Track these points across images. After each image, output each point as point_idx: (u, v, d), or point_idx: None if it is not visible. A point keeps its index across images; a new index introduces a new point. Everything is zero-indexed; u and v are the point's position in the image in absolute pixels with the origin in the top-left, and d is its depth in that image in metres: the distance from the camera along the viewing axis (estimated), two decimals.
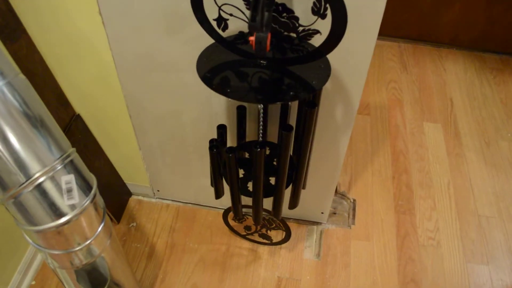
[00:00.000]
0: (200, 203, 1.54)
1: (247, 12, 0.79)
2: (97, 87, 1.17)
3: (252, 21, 0.54)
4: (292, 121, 1.04)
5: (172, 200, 1.55)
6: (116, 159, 1.42)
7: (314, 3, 0.72)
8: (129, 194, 1.57)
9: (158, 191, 1.52)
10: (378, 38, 0.89)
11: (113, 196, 1.48)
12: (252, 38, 0.68)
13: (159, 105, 1.15)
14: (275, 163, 1.08)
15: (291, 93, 0.75)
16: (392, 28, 2.31)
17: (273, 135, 1.13)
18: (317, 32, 0.78)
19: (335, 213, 1.54)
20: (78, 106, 1.24)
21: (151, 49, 1.01)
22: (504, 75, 2.21)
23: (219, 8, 0.80)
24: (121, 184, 1.51)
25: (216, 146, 0.94)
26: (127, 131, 1.28)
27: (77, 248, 0.86)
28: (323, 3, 0.72)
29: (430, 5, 2.19)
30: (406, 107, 1.97)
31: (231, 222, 1.44)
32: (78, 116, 1.25)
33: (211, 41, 0.84)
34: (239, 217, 1.37)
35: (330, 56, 0.79)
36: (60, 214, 0.78)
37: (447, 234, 1.52)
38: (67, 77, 1.16)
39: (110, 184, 1.45)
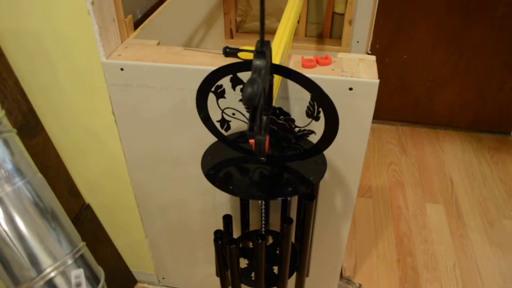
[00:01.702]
0: None
1: (248, 114, 0.86)
2: (107, 178, 1.23)
3: (250, 131, 0.61)
4: (293, 209, 1.08)
5: None
6: (122, 246, 1.45)
7: (308, 107, 0.80)
8: (134, 281, 1.57)
9: (164, 278, 1.53)
10: (377, 122, 0.96)
11: (118, 284, 1.49)
12: (252, 141, 0.75)
13: (166, 196, 1.21)
14: (278, 252, 1.11)
15: (290, 189, 0.80)
16: (390, 112, 2.42)
17: (276, 223, 1.17)
18: (312, 132, 0.85)
19: None
20: (88, 196, 1.30)
21: (159, 145, 1.08)
22: (501, 154, 2.27)
23: (222, 111, 0.88)
24: (127, 271, 1.52)
25: (221, 237, 0.97)
26: (134, 220, 1.32)
27: None
28: (316, 107, 0.79)
29: (425, 89, 2.31)
30: (407, 189, 2.01)
31: None
32: (88, 206, 1.31)
33: (215, 138, 0.91)
34: None
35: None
36: None
37: None
38: (79, 170, 1.22)
39: (116, 272, 1.47)
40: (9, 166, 0.78)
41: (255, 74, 0.61)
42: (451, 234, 1.80)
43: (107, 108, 1.05)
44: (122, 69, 0.97)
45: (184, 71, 0.93)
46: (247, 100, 0.56)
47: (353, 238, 1.76)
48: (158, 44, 1.04)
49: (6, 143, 0.79)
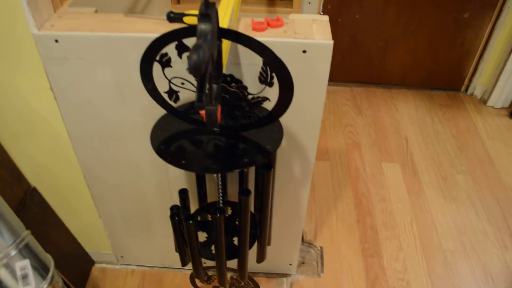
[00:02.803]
0: (165, 265, 1.50)
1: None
2: (52, 159, 1.15)
3: (198, 102, 0.56)
4: (251, 179, 1.05)
5: (137, 265, 1.51)
6: (76, 228, 1.39)
7: (260, 73, 0.75)
8: (92, 262, 1.52)
9: (122, 257, 1.48)
10: (331, 84, 0.94)
11: (75, 266, 1.43)
12: (202, 112, 0.70)
13: (117, 174, 1.15)
14: (237, 222, 1.08)
15: (246, 159, 0.77)
16: (343, 73, 2.41)
17: (234, 194, 1.13)
18: (266, 99, 0.81)
19: (303, 263, 1.53)
20: (34, 179, 1.21)
21: (105, 121, 1.01)
22: (452, 110, 2.32)
23: (169, 81, 0.82)
24: (82, 253, 1.47)
25: (177, 213, 0.93)
26: (85, 201, 1.26)
27: None
28: (269, 72, 0.75)
29: (377, 49, 2.31)
30: (364, 150, 2.03)
31: (199, 284, 1.41)
32: (34, 190, 1.23)
33: (164, 111, 0.85)
34: (203, 280, 1.34)
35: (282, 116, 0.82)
36: None
37: (415, 273, 1.54)
38: (20, 152, 1.14)
39: (71, 254, 1.41)
40: None
41: (200, 40, 0.56)
42: (407, 191, 1.84)
43: (44, 85, 0.97)
44: (56, 41, 0.88)
45: (125, 40, 0.86)
46: (193, 69, 0.51)
47: (312, 201, 1.77)
48: (96, 12, 0.96)
49: None
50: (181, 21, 0.86)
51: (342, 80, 2.44)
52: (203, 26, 0.57)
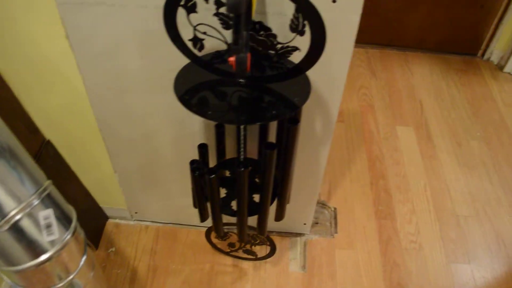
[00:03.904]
0: (180, 222, 1.50)
1: (223, 31, 0.78)
2: (67, 112, 1.13)
3: (235, 44, 0.53)
4: (271, 135, 1.03)
5: (151, 221, 1.51)
6: (90, 183, 1.38)
7: (292, 20, 0.72)
8: (106, 218, 1.52)
9: (136, 213, 1.48)
10: None
11: (89, 221, 1.43)
12: (232, 59, 0.67)
13: (133, 128, 1.12)
14: (257, 179, 1.07)
15: (274, 112, 0.74)
16: (358, 35, 2.33)
17: (251, 151, 1.11)
18: (296, 49, 0.77)
19: (317, 223, 1.53)
20: (48, 132, 1.19)
21: (123, 71, 0.98)
22: (468, 75, 2.27)
23: (194, 28, 0.78)
24: (97, 208, 1.46)
25: (198, 168, 0.91)
26: (100, 155, 1.24)
27: (60, 284, 0.83)
28: (301, 20, 0.71)
29: (395, 10, 2.24)
30: (378, 112, 2.00)
31: (214, 240, 1.41)
32: (48, 142, 1.21)
33: (185, 60, 0.82)
34: (222, 236, 1.34)
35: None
36: (40, 252, 0.74)
37: (428, 236, 1.54)
38: (35, 104, 1.11)
39: (85, 209, 1.41)
40: None
41: None
42: (421, 155, 1.82)
43: (59, 32, 0.93)
44: None
45: None
46: (232, 6, 0.48)
47: (326, 163, 1.75)
48: None
49: None
50: None
51: (356, 41, 2.36)
52: None
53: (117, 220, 1.53)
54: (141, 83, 1.00)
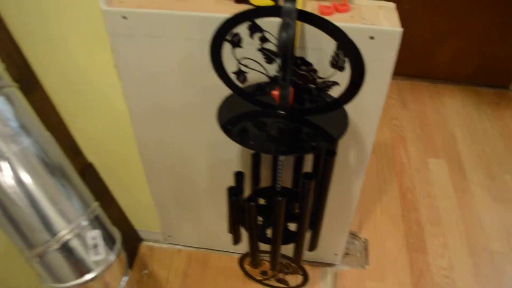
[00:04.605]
0: (212, 247, 1.52)
1: (266, 65, 0.81)
2: (110, 136, 1.18)
3: (283, 81, 0.56)
4: (306, 165, 1.05)
5: (184, 245, 1.54)
6: (127, 205, 1.42)
7: (332, 56, 0.75)
8: (140, 240, 1.56)
9: (170, 236, 1.51)
10: None
11: (124, 243, 1.46)
12: (275, 93, 0.70)
13: (172, 153, 1.17)
14: (290, 208, 1.09)
15: (312, 143, 0.77)
16: None
17: (285, 180, 1.14)
18: (335, 83, 0.80)
19: (348, 254, 1.53)
20: (91, 155, 1.25)
21: (165, 100, 1.03)
22: (500, 108, 2.26)
23: (238, 62, 0.82)
24: (132, 230, 1.50)
25: (235, 193, 0.94)
26: (139, 178, 1.28)
27: None
28: (341, 57, 0.75)
29: (425, 42, 2.26)
30: (409, 144, 2.00)
31: (247, 267, 1.42)
32: (90, 165, 1.26)
33: (226, 91, 0.86)
34: (256, 263, 1.35)
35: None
36: (86, 271, 0.78)
37: (461, 271, 1.51)
38: (80, 127, 1.17)
39: (121, 231, 1.44)
40: (14, 123, 0.73)
41: (287, 18, 0.56)
42: (454, 188, 1.80)
43: (109, 61, 0.99)
44: (125, 18, 0.90)
45: (192, 19, 0.86)
46: (282, 46, 0.51)
47: None
48: None
49: (9, 99, 0.74)
50: (247, 2, 0.86)
51: None
52: (290, 5, 0.57)
53: (150, 243, 1.56)
54: (183, 111, 1.04)
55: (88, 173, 1.26)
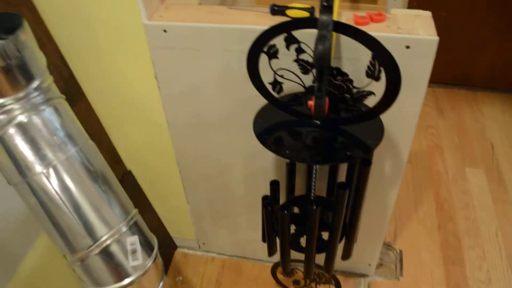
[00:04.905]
0: (245, 256, 1.53)
1: (302, 76, 0.82)
2: (149, 145, 1.22)
3: (318, 91, 0.57)
4: (341, 174, 1.05)
5: (218, 253, 1.56)
6: (163, 213, 1.45)
7: (368, 66, 0.75)
8: (175, 247, 1.58)
9: (204, 244, 1.53)
10: None
11: (160, 250, 1.50)
12: (311, 103, 0.71)
13: (209, 162, 1.19)
14: (324, 217, 1.09)
15: (348, 153, 0.77)
16: None
17: (319, 189, 1.14)
18: (371, 93, 0.80)
19: (381, 265, 1.51)
20: (130, 163, 1.29)
21: (203, 110, 1.05)
22: None
23: (275, 73, 0.84)
24: (168, 237, 1.53)
25: (270, 203, 0.95)
26: (176, 186, 1.31)
27: None
28: (377, 67, 0.75)
29: (463, 49, 2.21)
30: (446, 153, 1.96)
31: (279, 276, 1.43)
32: (130, 173, 1.30)
33: (262, 101, 0.87)
34: (288, 272, 1.36)
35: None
36: (124, 276, 0.80)
37: (500, 285, 1.46)
38: (120, 136, 1.21)
39: (157, 238, 1.47)
40: (61, 133, 0.76)
41: (324, 30, 0.57)
42: (493, 200, 1.75)
43: (149, 73, 1.02)
44: (165, 31, 0.93)
45: (231, 31, 0.88)
46: (319, 58, 0.52)
47: None
48: (200, 4, 1.00)
49: (57, 110, 0.77)
50: (284, 14, 0.88)
51: None
52: (326, 17, 0.58)
53: (185, 250, 1.58)
54: (220, 122, 1.06)
55: (127, 181, 1.29)
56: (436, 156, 1.95)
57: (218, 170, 1.21)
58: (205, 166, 1.21)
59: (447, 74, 2.33)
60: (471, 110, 2.22)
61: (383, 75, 0.74)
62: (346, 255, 1.07)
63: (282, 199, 1.13)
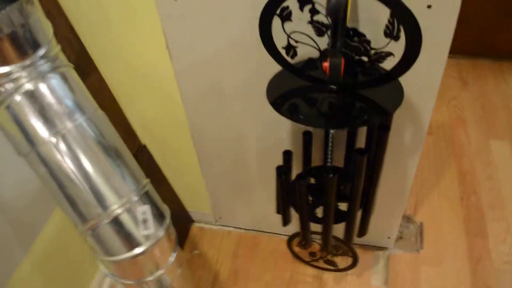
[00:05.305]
0: (262, 229, 1.52)
1: (317, 39, 0.79)
2: (162, 118, 1.20)
3: (332, 47, 0.54)
4: (359, 144, 1.02)
5: (234, 227, 1.55)
6: (179, 187, 1.44)
7: (386, 25, 0.71)
8: (191, 221, 1.58)
9: (220, 218, 1.53)
10: None
11: (176, 224, 1.48)
12: (326, 64, 0.68)
13: (224, 134, 1.16)
14: (342, 188, 1.06)
15: (365, 117, 0.74)
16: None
17: (337, 160, 1.10)
18: (390, 54, 0.76)
19: (401, 238, 1.48)
20: (144, 137, 1.27)
21: (217, 80, 1.02)
22: None
23: (288, 36, 0.80)
24: (184, 211, 1.53)
25: (284, 172, 0.93)
26: (191, 160, 1.30)
27: (150, 278, 0.87)
28: (396, 25, 0.71)
29: (489, 17, 2.12)
30: (469, 125, 1.89)
31: (295, 248, 1.41)
32: (144, 147, 1.29)
33: (277, 68, 0.84)
34: (306, 244, 1.34)
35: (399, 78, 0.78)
36: (136, 245, 0.79)
37: None
38: (134, 110, 1.19)
39: (173, 212, 1.46)
40: (69, 101, 0.74)
41: None
42: None
43: (161, 43, 0.99)
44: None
45: None
46: (332, 10, 0.49)
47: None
48: None
49: (64, 77, 0.75)
50: None
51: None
52: None
53: (201, 224, 1.58)
54: (234, 92, 1.03)
55: (142, 155, 1.28)
56: (459, 128, 1.89)
57: (233, 143, 1.19)
58: (220, 139, 1.19)
59: (472, 44, 2.24)
60: (496, 81, 2.14)
61: (402, 34, 0.70)
62: (364, 226, 1.05)
63: (298, 170, 1.10)
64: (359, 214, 1.04)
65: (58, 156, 0.72)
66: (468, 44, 2.23)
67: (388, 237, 1.40)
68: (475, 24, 2.15)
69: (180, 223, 1.53)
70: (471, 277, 1.38)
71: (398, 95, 0.78)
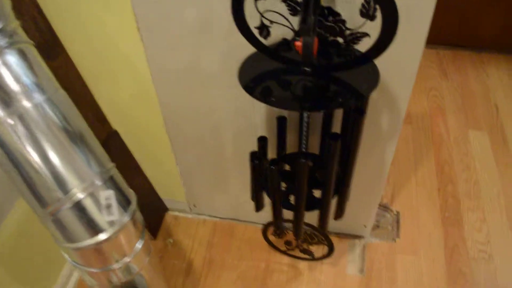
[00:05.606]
0: (237, 218, 1.50)
1: (291, 18, 0.75)
2: (134, 103, 1.15)
3: (303, 23, 0.50)
4: (335, 130, 0.99)
5: (209, 216, 1.52)
6: (152, 174, 1.40)
7: (362, 4, 0.68)
8: (165, 209, 1.54)
9: (195, 206, 1.49)
10: None
11: (150, 212, 1.46)
12: (298, 43, 0.65)
13: (197, 120, 1.13)
14: (317, 175, 1.04)
15: (340, 99, 0.71)
16: (430, 34, 2.23)
17: (313, 147, 1.08)
18: (365, 35, 0.73)
19: (378, 226, 1.47)
20: (115, 123, 1.23)
21: (189, 64, 0.98)
22: None
23: (261, 15, 0.77)
24: (157, 199, 1.49)
25: (258, 157, 0.90)
26: (164, 147, 1.26)
27: (116, 266, 0.84)
28: (372, 4, 0.68)
29: (470, 8, 2.11)
30: (449, 115, 1.89)
31: (271, 237, 1.39)
32: (115, 133, 1.24)
33: (250, 50, 0.81)
34: (280, 232, 1.32)
35: (376, 62, 0.75)
36: (99, 231, 0.75)
37: (499, 247, 1.42)
38: (104, 94, 1.15)
39: (147, 200, 1.43)
40: (27, 80, 0.70)
41: None
42: (496, 162, 1.69)
43: (131, 24, 0.95)
44: None
45: None
46: None
47: (391, 164, 1.68)
48: None
49: (23, 54, 0.71)
50: None
51: (428, 41, 2.26)
52: None
53: (176, 213, 1.55)
54: (207, 73, 1.00)
55: (113, 141, 1.24)
56: (438, 118, 1.88)
57: (206, 129, 1.15)
58: (193, 124, 1.15)
59: (452, 34, 2.24)
60: (476, 71, 2.14)
61: (379, 14, 0.67)
62: (339, 213, 1.03)
63: (274, 157, 1.07)
64: (334, 201, 1.02)
65: (14, 137, 0.68)
66: (449, 34, 2.23)
67: (364, 226, 1.39)
68: (456, 13, 2.14)
69: (154, 211, 1.49)
70: (447, 265, 1.38)
71: (374, 78, 0.75)
